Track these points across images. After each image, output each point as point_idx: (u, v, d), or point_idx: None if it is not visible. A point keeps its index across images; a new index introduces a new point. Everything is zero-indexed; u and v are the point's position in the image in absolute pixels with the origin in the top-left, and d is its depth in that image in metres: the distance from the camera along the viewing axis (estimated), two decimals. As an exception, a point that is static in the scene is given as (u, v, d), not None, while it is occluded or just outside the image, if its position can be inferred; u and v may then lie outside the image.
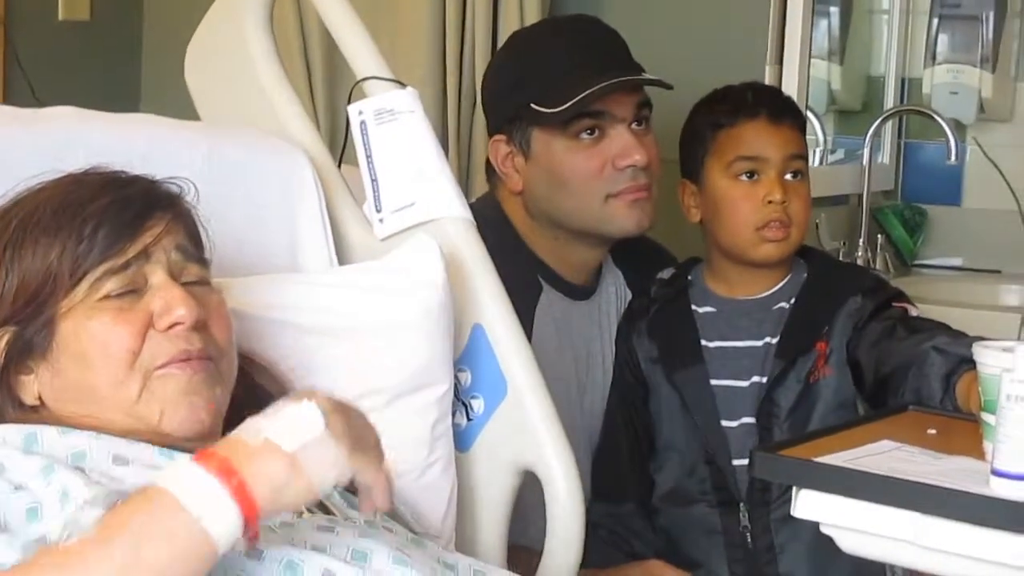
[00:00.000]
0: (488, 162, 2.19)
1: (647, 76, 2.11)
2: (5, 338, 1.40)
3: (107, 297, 1.38)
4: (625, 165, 2.07)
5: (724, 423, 2.03)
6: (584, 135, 2.07)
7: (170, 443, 1.37)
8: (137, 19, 3.43)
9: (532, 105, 2.07)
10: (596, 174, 2.07)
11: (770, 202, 2.03)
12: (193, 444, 1.37)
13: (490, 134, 2.19)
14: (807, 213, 2.08)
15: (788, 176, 2.05)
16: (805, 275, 2.09)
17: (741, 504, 2.02)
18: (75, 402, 1.39)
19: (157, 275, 1.40)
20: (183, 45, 2.06)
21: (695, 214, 2.10)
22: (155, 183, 1.45)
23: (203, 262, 1.47)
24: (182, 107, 2.01)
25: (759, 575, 2.02)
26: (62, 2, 3.21)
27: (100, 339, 1.38)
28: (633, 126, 2.09)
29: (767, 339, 2.05)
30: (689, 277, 2.14)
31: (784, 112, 2.09)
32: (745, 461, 1.99)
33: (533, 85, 2.09)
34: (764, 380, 2.02)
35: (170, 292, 1.39)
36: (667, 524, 2.09)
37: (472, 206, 1.85)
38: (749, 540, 2.02)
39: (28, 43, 3.11)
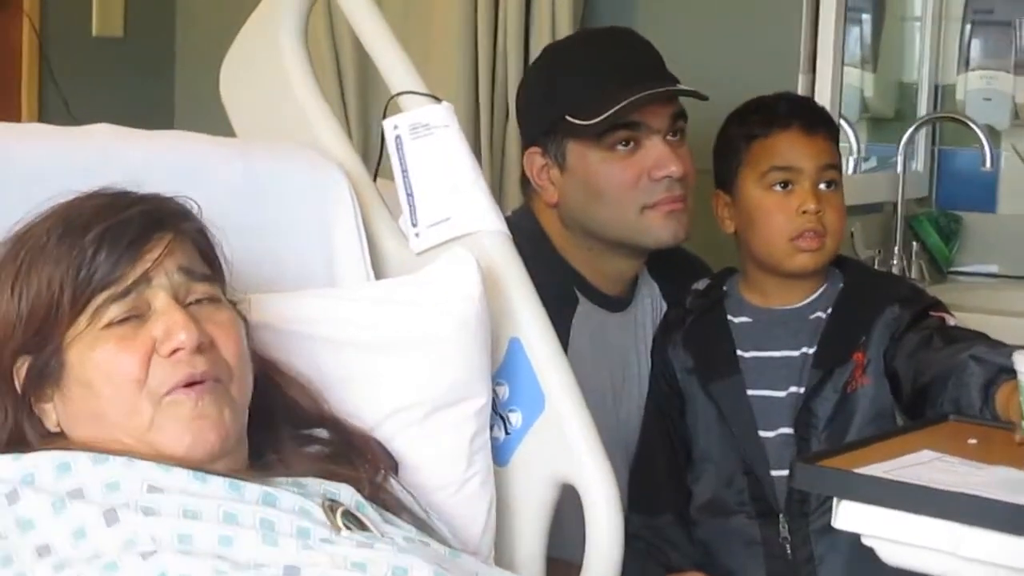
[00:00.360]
0: (523, 174, 2.19)
1: (682, 87, 2.11)
2: (24, 368, 1.40)
3: (110, 324, 1.38)
4: (661, 176, 2.06)
5: (761, 433, 2.02)
6: (619, 147, 2.07)
7: (194, 466, 1.37)
8: (170, 35, 3.45)
9: (567, 117, 2.07)
10: (632, 185, 2.07)
11: (804, 212, 2.02)
12: (219, 465, 1.38)
13: (524, 147, 2.19)
14: (842, 223, 2.07)
15: (822, 186, 2.05)
16: (841, 285, 2.08)
17: (780, 515, 2.01)
18: (89, 428, 1.39)
19: (159, 299, 1.40)
20: (216, 61, 2.06)
21: (729, 225, 2.10)
22: (154, 204, 1.44)
23: (210, 279, 1.46)
24: (216, 122, 2.01)
25: (799, 586, 2.01)
26: (96, 19, 3.23)
27: (104, 368, 1.38)
28: (668, 137, 2.09)
29: (804, 349, 2.04)
30: (724, 288, 2.14)
31: (817, 122, 2.09)
32: (783, 472, 1.98)
33: (567, 97, 2.09)
34: (801, 390, 2.02)
35: (171, 317, 1.38)
36: (705, 536, 2.08)
37: (507, 219, 1.84)
38: (789, 551, 2.01)
39: (62, 59, 3.14)
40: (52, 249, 1.39)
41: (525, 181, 2.19)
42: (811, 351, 2.03)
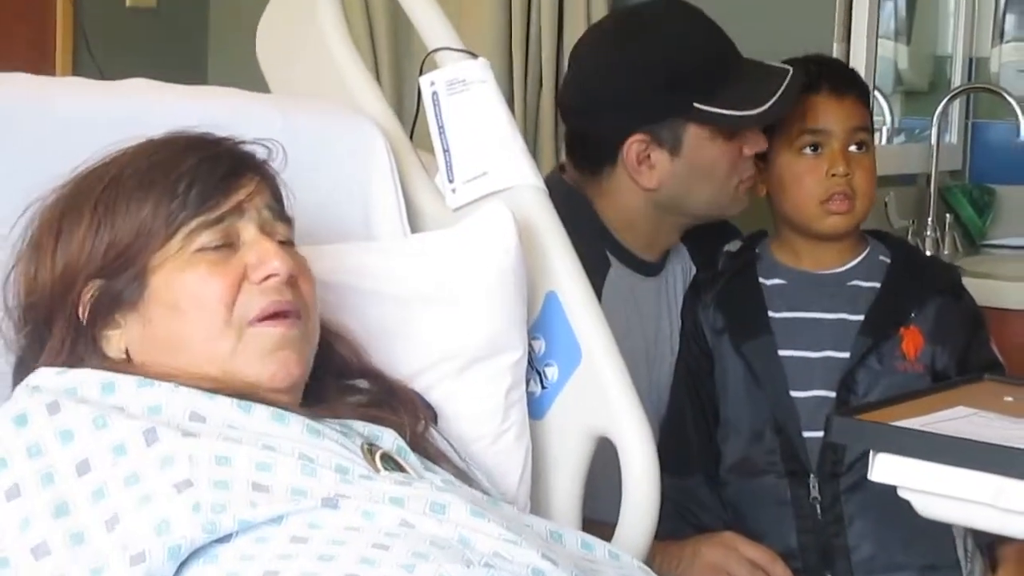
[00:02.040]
0: (571, 150, 2.15)
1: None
2: (92, 292, 1.42)
3: (202, 250, 1.41)
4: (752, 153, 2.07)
5: (794, 393, 2.02)
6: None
7: (254, 395, 1.38)
8: (203, 5, 3.46)
9: (695, 104, 2.01)
10: (735, 164, 2.06)
11: (833, 175, 2.03)
12: (274, 395, 1.39)
13: (623, 135, 2.06)
14: (872, 185, 2.08)
15: (852, 148, 2.05)
16: (882, 258, 2.09)
17: (811, 475, 2.01)
18: (164, 353, 1.40)
19: (249, 230, 1.43)
20: (249, 32, 2.08)
21: (761, 188, 2.11)
22: (242, 144, 1.47)
23: (289, 222, 1.49)
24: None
25: (827, 546, 2.01)
26: (129, -11, 3.25)
27: (194, 291, 1.40)
28: None
29: (843, 315, 2.04)
30: (756, 250, 2.14)
31: (847, 84, 2.09)
32: (816, 433, 1.97)
33: (693, 83, 2.02)
34: (840, 355, 2.01)
35: (263, 245, 1.42)
36: (734, 496, 2.08)
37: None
38: (819, 511, 2.01)
39: (97, 30, 3.15)
40: (142, 179, 1.42)
41: (585, 160, 2.12)
42: (852, 318, 2.03)
